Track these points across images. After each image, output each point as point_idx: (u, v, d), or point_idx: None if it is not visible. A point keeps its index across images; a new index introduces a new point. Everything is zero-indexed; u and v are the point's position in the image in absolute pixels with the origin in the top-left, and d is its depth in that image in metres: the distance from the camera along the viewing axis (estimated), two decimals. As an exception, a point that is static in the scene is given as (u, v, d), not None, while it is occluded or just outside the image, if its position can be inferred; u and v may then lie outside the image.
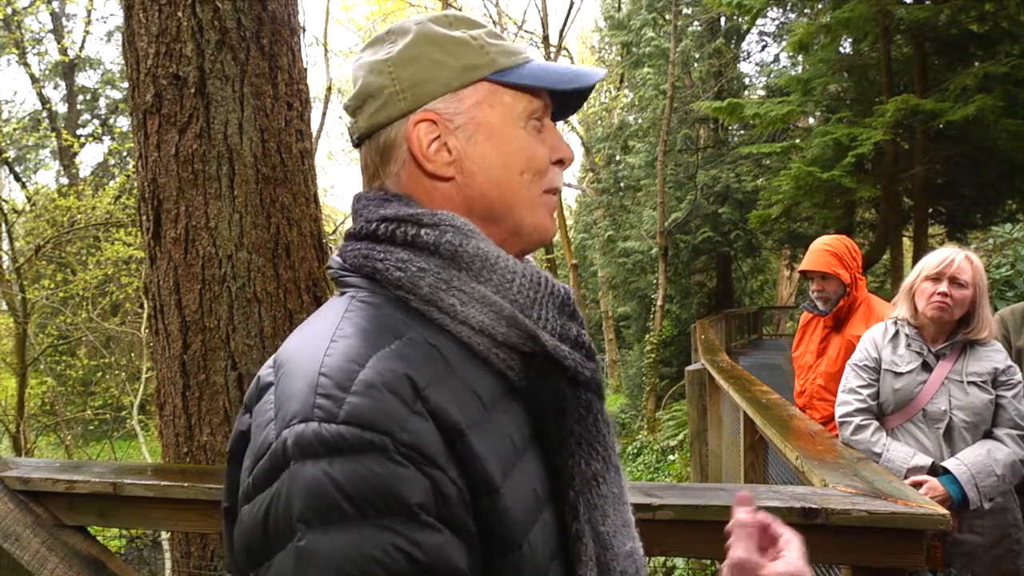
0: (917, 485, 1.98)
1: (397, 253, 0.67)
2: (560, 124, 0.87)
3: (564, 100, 0.78)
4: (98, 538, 1.85)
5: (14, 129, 12.26)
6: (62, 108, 19.03)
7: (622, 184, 20.31)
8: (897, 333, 2.25)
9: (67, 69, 18.34)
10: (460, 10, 18.02)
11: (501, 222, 0.72)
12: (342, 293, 0.70)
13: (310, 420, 0.53)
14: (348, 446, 0.52)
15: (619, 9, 20.00)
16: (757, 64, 21.15)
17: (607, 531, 0.68)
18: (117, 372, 10.80)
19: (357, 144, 0.76)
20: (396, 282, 0.66)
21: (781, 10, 16.16)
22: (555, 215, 0.78)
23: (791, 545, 0.70)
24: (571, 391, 0.68)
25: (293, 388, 0.57)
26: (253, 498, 0.55)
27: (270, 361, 0.64)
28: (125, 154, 14.78)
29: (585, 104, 0.83)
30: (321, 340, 0.61)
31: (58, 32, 16.77)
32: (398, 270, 0.66)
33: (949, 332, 2.17)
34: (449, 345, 0.64)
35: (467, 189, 0.71)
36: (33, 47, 14.44)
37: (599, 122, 21.11)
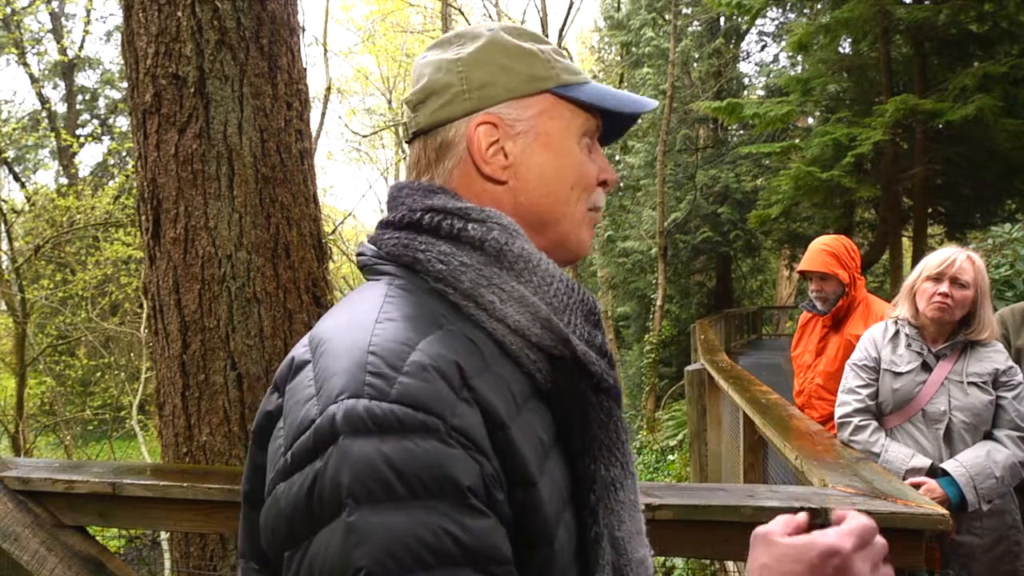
0: (915, 487, 1.97)
1: (439, 246, 0.67)
2: None
3: (608, 126, 0.81)
4: (98, 538, 1.84)
5: (13, 129, 12.24)
6: (61, 108, 19.02)
7: (621, 184, 20.30)
8: (897, 333, 2.25)
9: (66, 69, 18.33)
10: (460, 10, 18.04)
11: (546, 232, 0.74)
12: (375, 280, 0.69)
13: (360, 396, 0.53)
14: (401, 425, 0.52)
15: (619, 9, 20.00)
16: (757, 64, 21.16)
17: (622, 536, 0.69)
18: (116, 372, 10.80)
19: (410, 139, 0.76)
20: (437, 274, 0.66)
21: (781, 10, 16.17)
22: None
23: (847, 519, 0.64)
24: (594, 397, 0.69)
25: (338, 365, 0.56)
26: (291, 475, 0.54)
27: (304, 341, 0.64)
28: (124, 154, 14.79)
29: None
30: (366, 320, 0.61)
31: (57, 32, 16.76)
32: (440, 263, 0.66)
33: (950, 332, 2.16)
34: (484, 341, 0.64)
35: (519, 195, 0.73)
36: (33, 47, 14.43)
37: (599, 122, 21.15)
